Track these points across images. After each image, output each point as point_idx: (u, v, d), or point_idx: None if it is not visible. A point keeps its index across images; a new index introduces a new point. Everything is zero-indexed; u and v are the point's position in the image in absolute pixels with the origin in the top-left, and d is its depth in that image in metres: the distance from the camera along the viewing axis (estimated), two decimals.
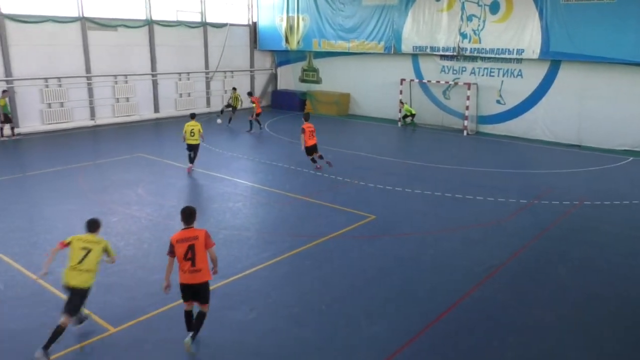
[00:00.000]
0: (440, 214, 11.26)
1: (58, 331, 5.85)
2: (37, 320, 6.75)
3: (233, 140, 18.94)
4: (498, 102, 21.19)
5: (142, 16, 22.26)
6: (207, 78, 25.46)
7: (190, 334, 6.11)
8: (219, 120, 21.91)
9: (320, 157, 14.47)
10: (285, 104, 27.32)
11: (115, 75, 21.67)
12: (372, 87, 25.01)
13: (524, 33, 19.34)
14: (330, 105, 25.79)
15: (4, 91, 18.25)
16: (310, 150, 14.30)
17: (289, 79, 28.71)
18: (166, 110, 23.73)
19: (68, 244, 6.26)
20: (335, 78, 26.58)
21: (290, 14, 26.19)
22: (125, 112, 22.22)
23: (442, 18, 21.50)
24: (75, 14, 20.02)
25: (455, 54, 21.49)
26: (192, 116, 14.49)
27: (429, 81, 22.72)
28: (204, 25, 24.75)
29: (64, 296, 7.27)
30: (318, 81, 27.41)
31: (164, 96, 23.51)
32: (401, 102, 22.77)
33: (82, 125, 20.70)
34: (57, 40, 19.60)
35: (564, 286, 8.09)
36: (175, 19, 23.58)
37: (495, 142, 19.82)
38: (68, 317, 5.99)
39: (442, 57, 22.25)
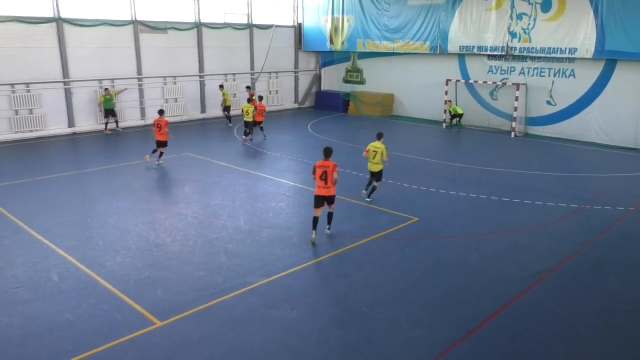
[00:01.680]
0: (486, 218, 11.00)
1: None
2: (88, 312, 7.04)
3: (276, 140, 19.14)
4: (549, 103, 20.48)
5: (192, 19, 22.86)
6: (252, 79, 25.86)
7: (315, 231, 9.42)
8: (229, 125, 22.18)
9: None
10: (329, 105, 27.40)
11: (164, 77, 22.36)
12: (417, 88, 24.71)
13: (577, 32, 18.62)
14: (374, 106, 25.67)
15: (105, 89, 19.75)
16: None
17: (332, 80, 28.77)
18: (213, 111, 24.26)
19: (368, 151, 11.68)
20: (379, 79, 26.43)
21: (336, 15, 26.24)
22: (174, 112, 22.87)
23: (490, 17, 20.99)
24: (128, 18, 20.79)
25: (504, 53, 20.94)
26: (248, 100, 18.71)
27: (475, 82, 22.23)
28: (250, 27, 25.16)
29: (114, 289, 7.60)
30: (362, 82, 27.33)
31: (210, 97, 24.05)
32: (448, 102, 22.36)
33: (133, 125, 21.46)
34: (111, 43, 20.41)
35: (615, 296, 7.73)
36: (222, 22, 24.08)
37: (545, 145, 19.16)
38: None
39: (490, 57, 21.73)
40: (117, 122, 20.56)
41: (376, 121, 23.84)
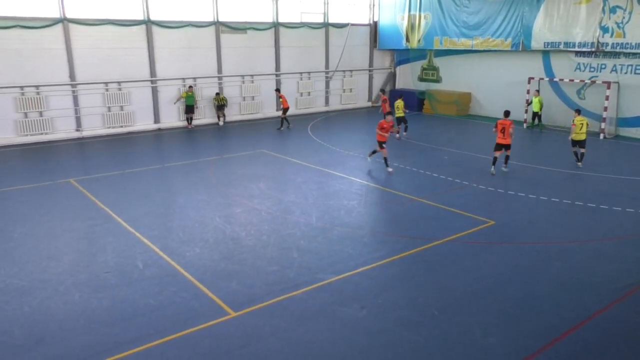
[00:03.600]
0: (569, 224, 10.40)
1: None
2: (168, 298, 7.46)
3: (349, 139, 19.19)
4: None
5: (270, 19, 23.43)
6: (326, 77, 26.08)
7: (493, 167, 13.60)
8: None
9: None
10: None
11: (242, 76, 23.10)
12: (496, 86, 23.78)
13: None
14: (449, 104, 25.01)
15: (189, 86, 20.92)
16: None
17: (407, 78, 28.36)
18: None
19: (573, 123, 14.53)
20: (456, 77, 25.71)
21: (412, 12, 25.83)
22: (251, 110, 23.58)
23: (579, 11, 19.76)
24: (210, 19, 21.69)
25: (593, 49, 19.64)
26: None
27: (561, 80, 21.02)
28: (325, 26, 25.38)
29: (192, 278, 7.97)
30: (438, 80, 26.72)
31: (285, 95, 24.54)
32: (535, 92, 20.84)
33: (211, 122, 22.38)
34: (194, 43, 21.40)
35: None
36: (299, 21, 24.47)
37: (638, 147, 17.75)
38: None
39: (578, 53, 20.46)
40: (191, 118, 21.46)
41: (451, 120, 23.22)
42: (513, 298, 7.53)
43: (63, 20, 18.28)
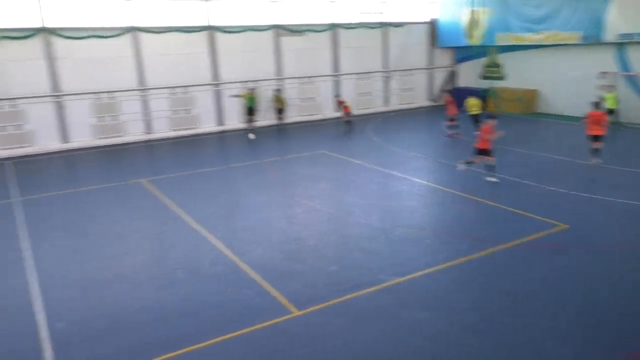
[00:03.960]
0: None
1: None
2: (233, 295, 7.67)
3: (410, 139, 18.95)
4: None
5: (327, 20, 23.56)
6: (385, 77, 25.89)
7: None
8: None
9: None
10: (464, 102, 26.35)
11: (301, 77, 23.37)
12: (564, 82, 22.65)
13: None
14: (514, 102, 24.12)
15: (250, 88, 21.36)
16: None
17: (469, 75, 27.60)
18: None
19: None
20: (520, 73, 24.73)
21: (474, 8, 25.12)
22: (310, 111, 23.82)
23: None
24: (269, 23, 22.10)
25: None
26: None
27: (639, 73, 19.72)
28: (383, 25, 25.19)
29: (256, 276, 8.15)
30: (502, 77, 25.82)
31: (344, 96, 24.60)
32: (609, 87, 19.46)
33: (271, 123, 22.78)
34: (254, 46, 21.89)
35: None
36: (356, 21, 24.44)
37: None
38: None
39: None
40: (252, 120, 21.51)
41: (517, 118, 22.38)
42: (588, 307, 7.14)
43: (133, 29, 19.26)
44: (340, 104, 21.59)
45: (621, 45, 20.31)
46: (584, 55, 21.68)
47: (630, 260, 8.51)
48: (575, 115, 22.11)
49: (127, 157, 17.71)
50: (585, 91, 21.30)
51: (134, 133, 20.06)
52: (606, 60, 20.80)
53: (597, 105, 14.36)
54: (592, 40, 20.64)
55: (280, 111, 22.08)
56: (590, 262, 8.49)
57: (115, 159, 17.50)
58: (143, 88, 19.90)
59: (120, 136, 19.72)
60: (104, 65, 19.06)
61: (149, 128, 20.35)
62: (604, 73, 20.43)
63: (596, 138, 13.92)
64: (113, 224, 10.95)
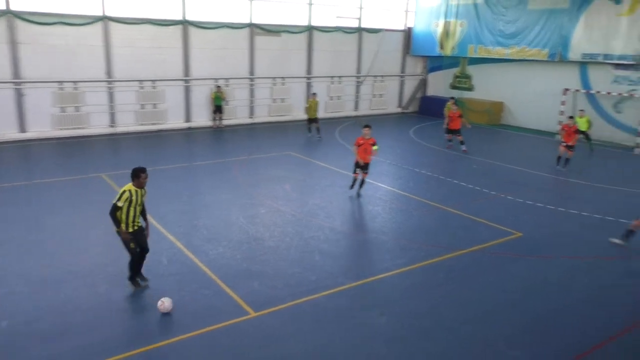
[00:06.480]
0: (599, 239, 10.09)
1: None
2: (190, 295, 7.55)
3: (378, 144, 19.07)
4: None
5: (304, 22, 23.56)
6: (357, 82, 26.06)
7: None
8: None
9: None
10: (434, 111, 26.74)
11: (274, 78, 23.29)
12: (530, 96, 23.32)
13: None
14: (481, 113, 24.66)
15: (217, 86, 21.21)
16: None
17: (439, 85, 28.09)
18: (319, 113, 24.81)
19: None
20: (488, 86, 25.34)
21: (448, 19, 25.59)
22: (280, 112, 23.75)
23: (620, 23, 19.25)
24: (246, 21, 21.94)
25: (633, 62, 19.07)
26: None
27: (598, 92, 20.48)
28: (359, 30, 25.37)
29: (214, 276, 8.03)
30: (470, 88, 26.38)
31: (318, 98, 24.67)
32: (580, 112, 18.88)
33: (242, 122, 22.62)
34: (228, 44, 21.69)
35: None
36: (333, 25, 24.53)
37: None
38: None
39: (617, 66, 19.90)
40: (221, 118, 21.66)
41: (483, 129, 22.87)
42: (539, 312, 7.36)
43: (103, 18, 18.81)
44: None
45: (584, 64, 21.03)
46: (550, 71, 22.37)
47: (580, 268, 8.81)
48: (538, 128, 22.82)
49: (88, 150, 17.24)
50: (549, 106, 22.00)
51: (98, 125, 19.54)
52: (570, 77, 21.52)
53: (572, 118, 15.76)
54: (557, 57, 21.33)
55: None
56: (542, 269, 8.75)
57: (76, 151, 17.01)
58: (110, 80, 19.43)
59: (82, 128, 19.17)
60: (70, 53, 18.49)
61: (113, 121, 19.88)
62: (567, 89, 21.10)
63: (568, 147, 15.24)
64: (69, 219, 10.63)
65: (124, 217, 7.34)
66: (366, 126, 12.40)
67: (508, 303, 7.62)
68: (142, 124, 20.37)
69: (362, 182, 12.45)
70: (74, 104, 18.89)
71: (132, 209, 7.34)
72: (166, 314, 6.93)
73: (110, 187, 12.70)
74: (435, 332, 6.81)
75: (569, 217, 11.43)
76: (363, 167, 12.29)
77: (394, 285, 8.12)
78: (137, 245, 7.51)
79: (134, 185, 7.41)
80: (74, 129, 19.01)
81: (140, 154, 16.80)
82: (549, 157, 18.36)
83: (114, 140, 18.88)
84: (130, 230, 7.41)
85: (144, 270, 7.85)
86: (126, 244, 7.42)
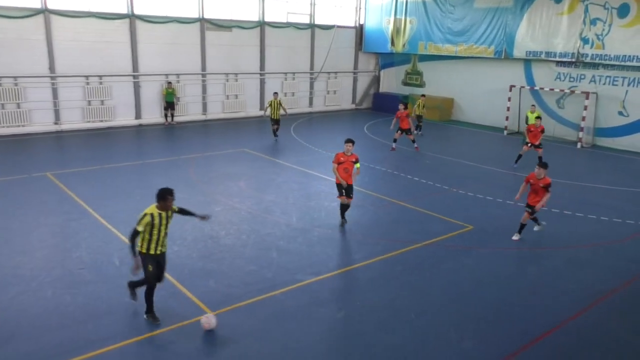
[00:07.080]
0: (546, 231, 10.55)
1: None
2: (140, 298, 7.32)
3: (332, 140, 19.21)
4: (620, 113, 19.42)
5: (256, 18, 23.33)
6: (311, 79, 26.08)
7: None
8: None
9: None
10: (386, 107, 27.15)
11: (226, 74, 22.95)
12: (478, 92, 24.08)
13: None
14: (432, 110, 25.19)
15: (168, 82, 20.76)
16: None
17: (391, 81, 28.54)
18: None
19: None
20: (439, 82, 25.95)
21: (398, 16, 26.01)
22: (234, 108, 23.44)
23: (561, 22, 20.14)
24: (196, 15, 21.50)
25: (573, 60, 20.04)
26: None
27: (541, 88, 21.39)
28: (311, 27, 25.38)
29: (169, 276, 7.82)
30: (421, 85, 26.93)
31: (270, 95, 24.47)
32: (532, 107, 18.86)
33: (195, 119, 22.18)
34: (178, 39, 21.18)
35: None
36: (285, 21, 24.42)
37: (615, 157, 18.15)
38: None
39: (559, 63, 20.85)
40: (172, 115, 21.20)
41: (434, 125, 23.41)
42: (489, 302, 7.62)
43: (44, 11, 17.94)
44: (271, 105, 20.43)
45: (528, 61, 21.90)
46: (497, 68, 23.15)
47: (527, 259, 9.18)
48: (487, 124, 23.60)
49: (31, 149, 16.43)
50: (497, 102, 22.78)
51: (41, 123, 18.65)
52: (515, 74, 22.36)
53: (539, 118, 15.65)
54: (503, 55, 22.10)
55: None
56: (492, 260, 9.05)
57: (18, 149, 16.17)
58: (53, 75, 18.57)
59: (23, 126, 18.24)
60: (9, 48, 17.55)
61: (58, 118, 19.03)
62: (513, 86, 21.92)
63: (536, 147, 15.28)
64: (11, 220, 10.10)
65: (146, 241, 6.58)
66: (349, 141, 10.23)
67: (460, 294, 7.85)
68: (89, 121, 19.61)
69: (347, 207, 10.41)
70: (14, 100, 17.95)
71: (155, 232, 6.57)
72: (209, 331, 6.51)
73: (57, 186, 12.16)
74: (393, 325, 6.92)
75: (518, 210, 11.86)
76: (347, 189, 10.18)
77: (352, 280, 8.19)
78: (155, 269, 6.67)
79: (157, 207, 6.68)
80: (15, 126, 18.07)
81: (89, 152, 16.16)
82: (498, 152, 19.02)
83: (59, 138, 18.09)
84: (152, 253, 6.62)
85: (95, 271, 7.53)
86: (144, 264, 6.56)
